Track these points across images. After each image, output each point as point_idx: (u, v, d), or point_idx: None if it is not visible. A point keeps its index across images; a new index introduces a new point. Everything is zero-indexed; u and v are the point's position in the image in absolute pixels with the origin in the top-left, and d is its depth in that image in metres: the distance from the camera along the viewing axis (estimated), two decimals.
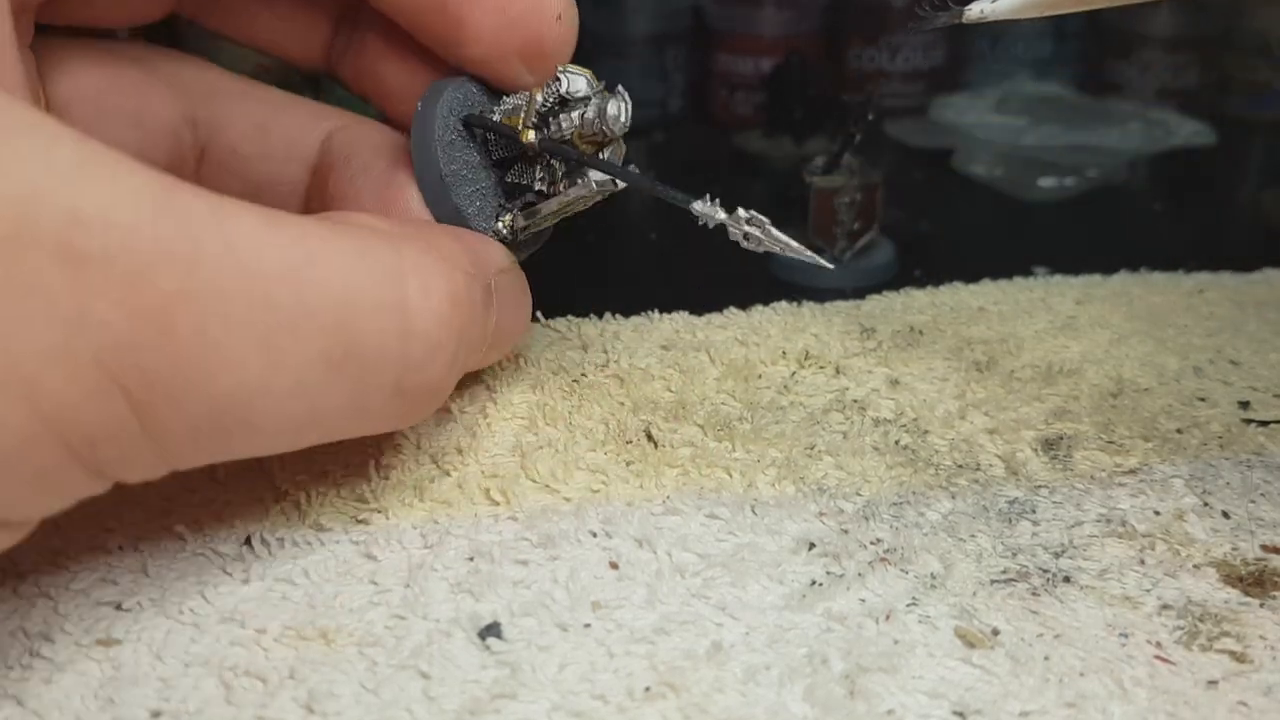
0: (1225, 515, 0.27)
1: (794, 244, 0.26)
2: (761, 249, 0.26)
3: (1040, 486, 0.28)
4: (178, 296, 0.18)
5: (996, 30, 0.65)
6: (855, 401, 0.32)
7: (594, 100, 0.28)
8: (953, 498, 0.28)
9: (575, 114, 0.28)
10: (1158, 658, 0.23)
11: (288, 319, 0.19)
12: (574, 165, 0.28)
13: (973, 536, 0.26)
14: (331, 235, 0.20)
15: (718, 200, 0.26)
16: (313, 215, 0.21)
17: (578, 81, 0.28)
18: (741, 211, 0.26)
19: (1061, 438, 0.30)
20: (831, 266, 0.27)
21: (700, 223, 0.26)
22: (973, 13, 0.27)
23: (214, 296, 0.18)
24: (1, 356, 0.17)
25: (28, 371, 0.17)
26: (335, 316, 0.20)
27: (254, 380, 0.19)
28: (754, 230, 0.26)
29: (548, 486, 0.28)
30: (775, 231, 0.26)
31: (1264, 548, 0.26)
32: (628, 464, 0.29)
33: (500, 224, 0.29)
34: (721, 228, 0.26)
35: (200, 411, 0.19)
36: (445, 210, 0.28)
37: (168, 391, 0.18)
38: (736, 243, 0.26)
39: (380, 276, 0.21)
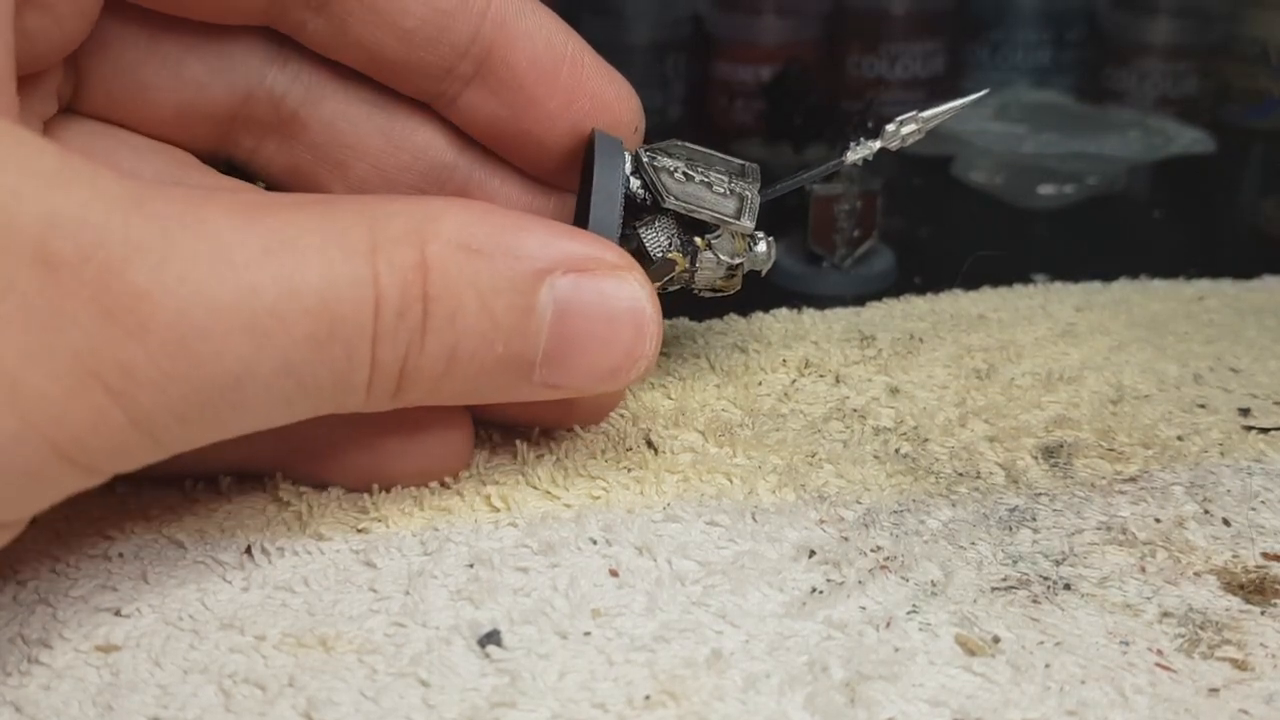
0: (1226, 522, 0.27)
1: (951, 104, 0.26)
2: (929, 126, 0.26)
3: (1040, 494, 0.28)
4: (151, 290, 0.18)
5: (996, 38, 0.65)
6: (855, 410, 0.32)
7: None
8: (953, 505, 0.28)
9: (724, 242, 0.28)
10: (1159, 665, 0.23)
11: (271, 303, 0.20)
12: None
13: (973, 544, 0.26)
14: (308, 220, 0.21)
15: (861, 138, 0.26)
16: (293, 198, 0.22)
17: (761, 246, 0.28)
18: (889, 126, 0.27)
19: (1062, 445, 0.30)
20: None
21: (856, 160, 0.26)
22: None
23: (191, 288, 0.19)
24: None
25: (7, 372, 0.18)
26: (319, 297, 0.20)
27: (241, 365, 0.19)
28: (911, 126, 0.26)
29: (548, 493, 0.28)
30: (928, 111, 0.26)
31: (1265, 555, 0.26)
32: (628, 471, 0.29)
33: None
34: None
35: (186, 398, 0.19)
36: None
37: (149, 381, 0.19)
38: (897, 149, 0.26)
39: (353, 251, 0.21)
